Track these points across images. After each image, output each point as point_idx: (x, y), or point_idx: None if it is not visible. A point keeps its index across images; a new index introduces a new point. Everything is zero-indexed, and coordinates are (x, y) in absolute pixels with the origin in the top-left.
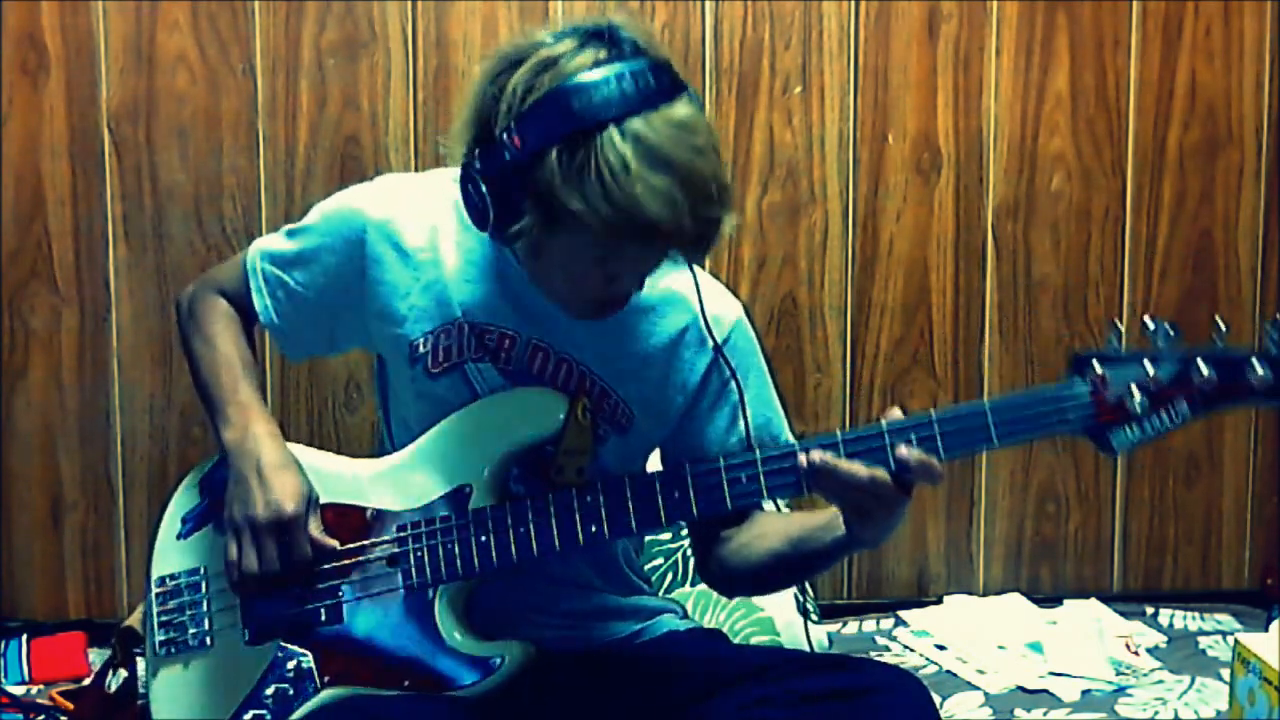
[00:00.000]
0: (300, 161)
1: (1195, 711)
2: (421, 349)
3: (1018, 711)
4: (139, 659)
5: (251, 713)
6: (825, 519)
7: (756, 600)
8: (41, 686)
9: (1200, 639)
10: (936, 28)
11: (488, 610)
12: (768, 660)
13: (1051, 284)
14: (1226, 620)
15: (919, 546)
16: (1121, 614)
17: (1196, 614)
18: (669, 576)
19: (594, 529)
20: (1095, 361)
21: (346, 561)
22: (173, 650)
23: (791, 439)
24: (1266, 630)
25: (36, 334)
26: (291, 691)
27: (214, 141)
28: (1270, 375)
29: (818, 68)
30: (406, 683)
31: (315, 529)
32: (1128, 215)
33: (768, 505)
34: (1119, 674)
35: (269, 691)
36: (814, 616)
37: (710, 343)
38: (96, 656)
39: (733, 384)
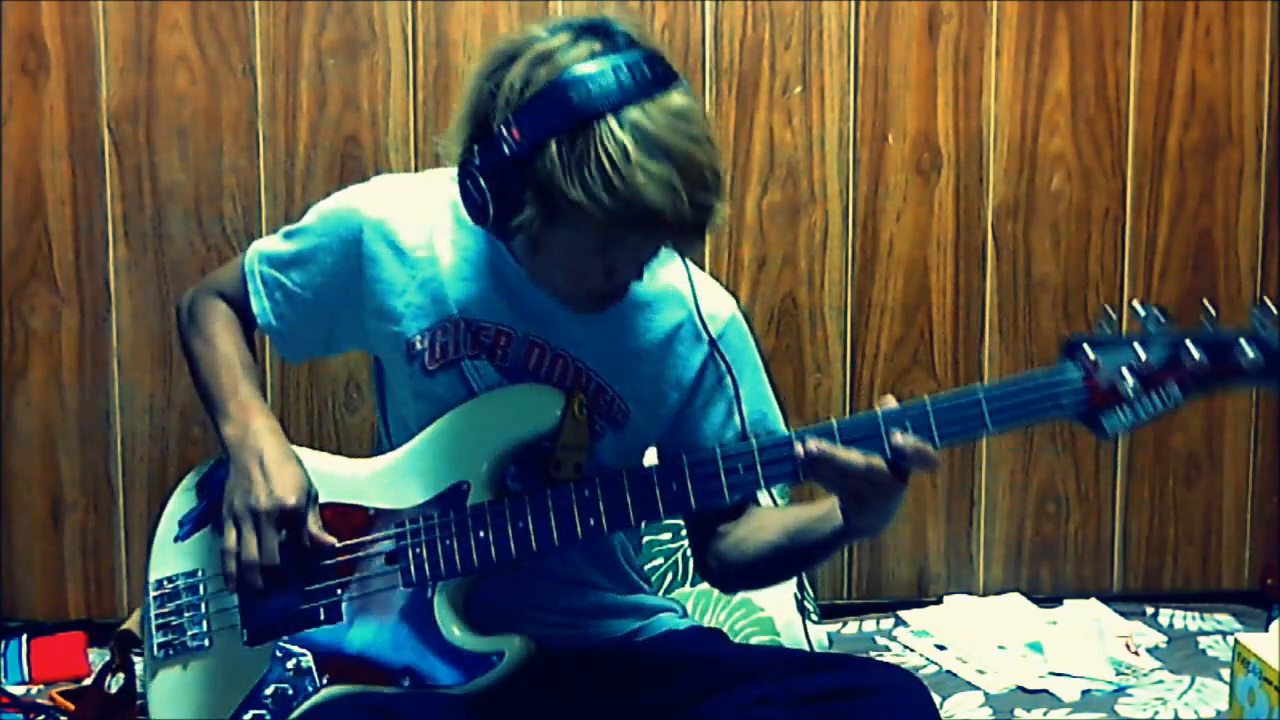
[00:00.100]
0: (300, 161)
1: (1195, 711)
2: (418, 346)
3: (1018, 711)
4: (137, 662)
5: (251, 713)
6: (822, 510)
7: (756, 600)
8: (41, 686)
9: (1200, 639)
10: (936, 28)
11: (486, 607)
12: (768, 660)
13: (1051, 284)
14: (1226, 620)
15: (919, 546)
16: (1121, 614)
17: (1196, 614)
18: (669, 577)
19: (592, 523)
20: (1087, 346)
21: (345, 559)
22: (171, 652)
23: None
24: (1266, 630)
25: (36, 334)
26: (291, 691)
27: (214, 141)
28: (1260, 356)
29: (818, 68)
30: (406, 680)
31: (315, 525)
32: (1128, 215)
33: (764, 499)
34: (1119, 674)
35: (268, 691)
36: (814, 616)
37: (705, 338)
38: (96, 656)
39: (728, 379)
